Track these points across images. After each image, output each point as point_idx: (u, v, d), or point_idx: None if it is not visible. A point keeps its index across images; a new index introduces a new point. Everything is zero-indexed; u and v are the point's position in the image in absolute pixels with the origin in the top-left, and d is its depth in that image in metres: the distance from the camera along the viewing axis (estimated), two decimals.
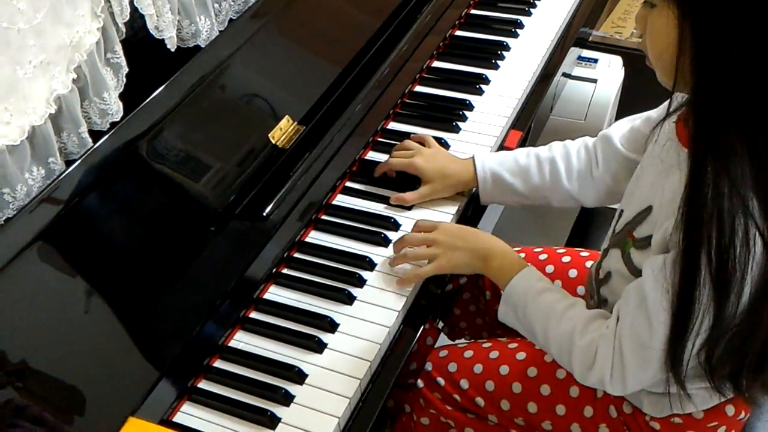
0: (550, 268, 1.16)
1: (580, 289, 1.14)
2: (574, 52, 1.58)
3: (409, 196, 1.10)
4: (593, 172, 1.10)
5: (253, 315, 0.97)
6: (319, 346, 0.92)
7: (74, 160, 0.87)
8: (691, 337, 0.80)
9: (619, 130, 1.09)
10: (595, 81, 1.68)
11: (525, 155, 1.11)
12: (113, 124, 0.91)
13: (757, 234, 0.76)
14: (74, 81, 0.86)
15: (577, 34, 1.51)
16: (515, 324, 0.98)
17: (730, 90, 0.74)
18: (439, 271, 1.00)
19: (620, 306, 0.88)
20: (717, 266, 0.76)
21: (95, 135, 0.91)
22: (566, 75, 1.65)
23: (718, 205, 0.75)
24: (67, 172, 0.85)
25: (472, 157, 1.12)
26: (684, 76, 0.77)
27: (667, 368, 0.84)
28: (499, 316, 0.99)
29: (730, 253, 0.75)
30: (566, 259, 1.18)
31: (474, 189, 1.14)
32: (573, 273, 1.16)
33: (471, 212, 1.15)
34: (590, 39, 1.77)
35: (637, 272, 0.89)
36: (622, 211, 0.96)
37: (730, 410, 0.95)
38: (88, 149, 0.88)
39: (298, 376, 0.89)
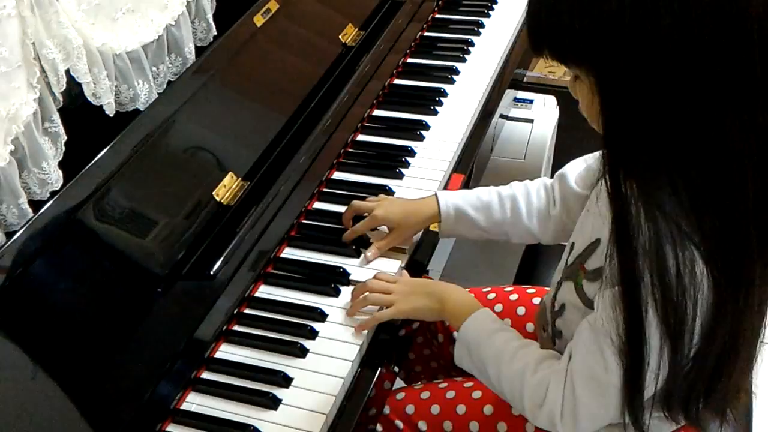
0: (499, 307, 1.18)
1: (530, 326, 1.16)
2: (509, 93, 1.63)
3: (379, 244, 1.13)
4: (551, 210, 1.13)
5: (205, 375, 0.96)
6: (273, 403, 0.92)
7: (15, 232, 0.86)
8: (649, 378, 0.81)
9: (575, 170, 1.13)
10: (531, 121, 1.74)
11: (487, 192, 1.15)
12: (53, 193, 0.91)
13: (703, 265, 0.77)
14: (12, 153, 0.85)
15: (511, 76, 1.56)
16: (470, 367, 0.99)
17: (644, 139, 0.76)
18: (398, 314, 1.02)
19: (573, 343, 0.89)
20: (663, 303, 0.77)
21: (36, 204, 0.90)
22: (504, 116, 1.70)
23: (657, 240, 0.76)
24: (7, 244, 0.84)
25: (435, 194, 1.15)
26: None
27: (624, 409, 0.84)
28: (455, 359, 1.01)
29: (678, 289, 0.76)
30: (514, 297, 1.20)
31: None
32: (521, 310, 1.18)
33: (419, 255, 1.17)
34: (525, 80, 1.83)
35: (590, 303, 0.91)
36: (573, 243, 0.98)
37: None
38: (29, 220, 0.87)
39: None
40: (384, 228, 1.16)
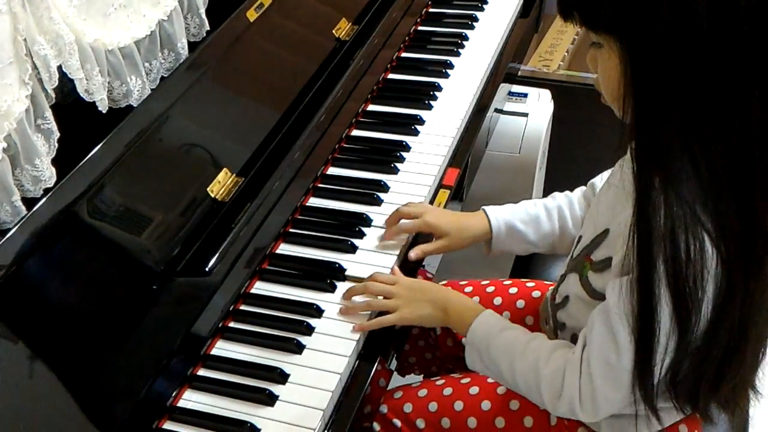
0: (498, 300, 1.19)
1: (529, 319, 1.16)
2: (504, 87, 1.63)
3: (427, 247, 1.13)
4: None
5: (202, 372, 0.96)
6: (270, 399, 0.92)
7: (8, 230, 0.86)
8: (658, 357, 0.82)
9: (604, 176, 1.13)
10: (526, 115, 1.74)
11: (533, 205, 1.16)
12: (47, 190, 0.90)
13: (713, 250, 0.78)
14: (4, 150, 0.85)
15: (506, 70, 1.56)
16: (483, 369, 1.00)
17: (670, 114, 0.77)
18: (402, 321, 1.03)
19: (586, 331, 0.89)
20: (675, 285, 0.78)
21: (29, 202, 0.89)
22: (498, 110, 1.70)
23: (671, 224, 0.77)
24: (0, 242, 0.84)
25: (483, 210, 1.15)
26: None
27: (635, 390, 0.85)
28: (468, 364, 1.01)
29: (688, 271, 0.78)
30: (513, 290, 1.20)
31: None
32: (521, 303, 1.18)
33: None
34: (519, 74, 1.83)
35: (595, 294, 0.92)
36: (580, 236, 0.99)
37: (683, 429, 0.97)
38: (22, 217, 0.87)
39: (251, 431, 0.88)
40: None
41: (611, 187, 0.91)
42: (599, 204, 0.96)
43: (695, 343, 0.82)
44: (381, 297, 1.03)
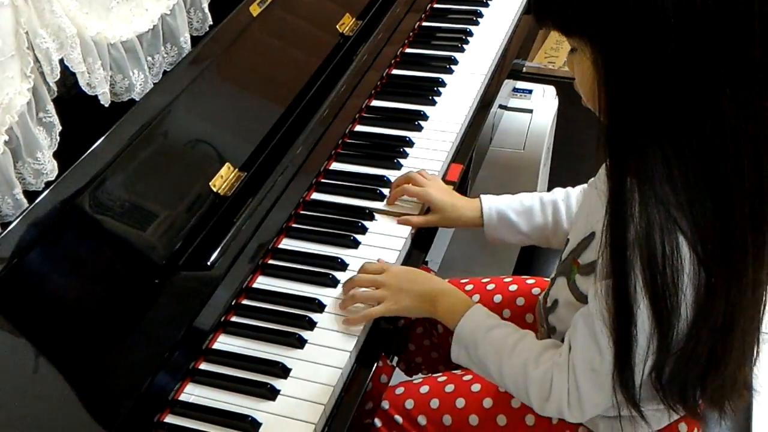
0: (498, 298, 1.18)
1: (529, 317, 1.16)
2: (508, 84, 1.62)
3: (415, 219, 1.15)
4: None
5: (203, 366, 0.96)
6: (272, 394, 0.92)
7: (9, 222, 0.86)
8: (638, 360, 0.82)
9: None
10: (530, 111, 1.73)
11: (530, 197, 1.16)
12: (48, 184, 0.90)
13: (689, 251, 0.77)
14: (6, 143, 0.85)
15: (510, 66, 1.55)
16: (469, 364, 0.99)
17: (642, 114, 0.76)
18: (387, 313, 1.02)
19: (570, 334, 0.89)
20: (652, 287, 0.78)
21: (31, 195, 0.90)
22: (503, 107, 1.69)
23: (646, 225, 0.77)
24: (2, 235, 0.84)
25: (479, 197, 1.16)
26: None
27: (617, 393, 0.84)
28: (452, 357, 1.00)
29: (665, 273, 0.77)
30: (513, 287, 1.20)
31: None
32: (521, 301, 1.18)
33: (417, 246, 1.17)
34: (524, 70, 1.83)
35: (582, 298, 0.91)
36: (568, 240, 0.98)
37: (683, 428, 0.97)
38: (24, 210, 0.87)
39: (251, 425, 0.88)
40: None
41: (596, 188, 0.90)
42: (584, 206, 0.96)
43: (678, 343, 0.81)
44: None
